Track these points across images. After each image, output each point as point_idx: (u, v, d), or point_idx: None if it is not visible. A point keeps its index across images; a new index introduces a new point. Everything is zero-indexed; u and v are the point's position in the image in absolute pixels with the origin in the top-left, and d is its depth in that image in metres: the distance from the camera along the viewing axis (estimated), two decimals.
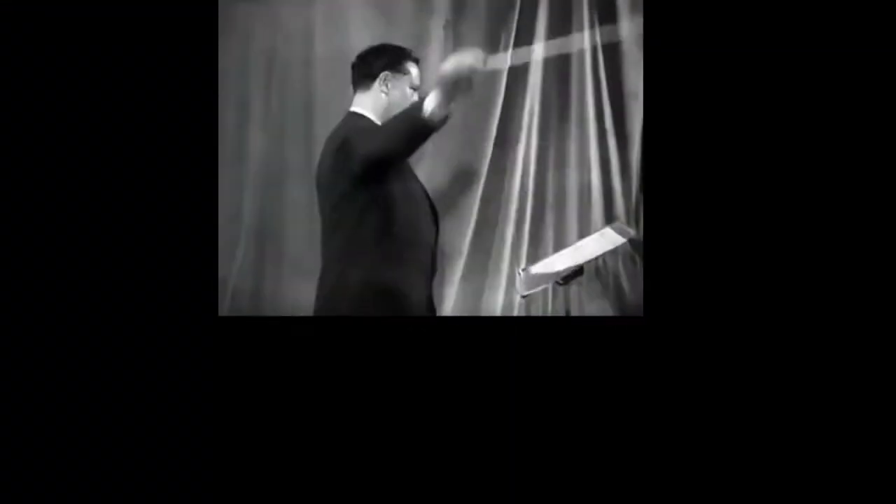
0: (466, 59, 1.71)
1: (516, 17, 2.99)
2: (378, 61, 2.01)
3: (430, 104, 1.71)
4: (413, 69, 2.04)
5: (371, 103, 2.01)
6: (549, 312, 2.90)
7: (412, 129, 1.77)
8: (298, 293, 2.78)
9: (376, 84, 1.99)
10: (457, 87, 1.71)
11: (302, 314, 2.55)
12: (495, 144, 2.95)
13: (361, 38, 2.82)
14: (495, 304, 2.94)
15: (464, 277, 2.93)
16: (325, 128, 2.89)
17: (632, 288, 2.94)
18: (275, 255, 2.88)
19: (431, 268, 2.00)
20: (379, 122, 1.97)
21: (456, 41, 2.94)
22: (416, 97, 1.99)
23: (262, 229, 2.87)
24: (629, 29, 2.98)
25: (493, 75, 2.99)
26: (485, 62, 1.74)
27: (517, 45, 2.99)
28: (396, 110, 1.92)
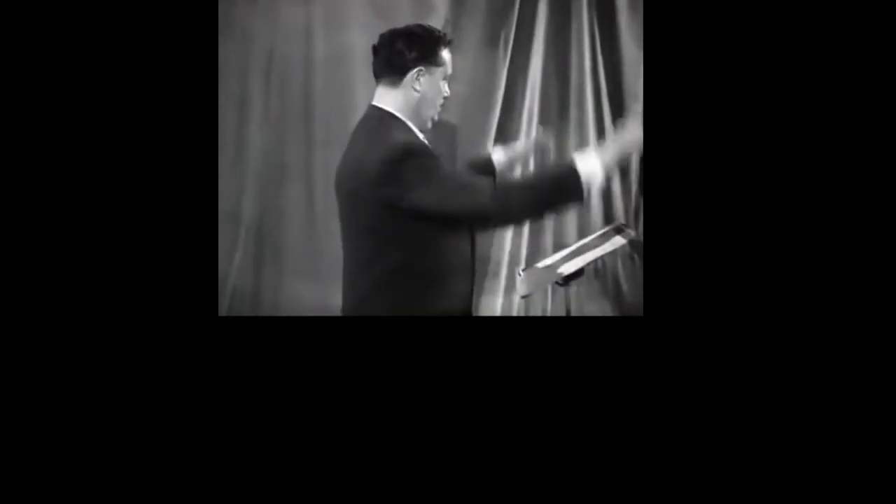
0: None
1: (516, 14, 2.99)
2: (410, 52, 1.74)
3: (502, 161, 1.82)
4: (447, 55, 1.78)
5: (401, 100, 1.75)
6: (549, 313, 2.91)
7: (476, 207, 1.63)
8: (298, 293, 2.79)
9: (407, 80, 1.74)
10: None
11: (301, 314, 2.56)
12: (495, 142, 2.95)
13: (360, 37, 2.83)
14: (494, 305, 2.94)
15: None
16: (324, 127, 2.91)
17: (631, 287, 2.94)
18: (274, 255, 2.88)
19: (470, 285, 1.83)
20: (408, 122, 1.76)
21: (456, 39, 2.94)
22: (447, 89, 1.81)
23: (262, 229, 2.87)
24: (629, 28, 2.99)
25: (493, 74, 2.99)
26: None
27: (517, 43, 2.99)
28: (428, 107, 1.76)
